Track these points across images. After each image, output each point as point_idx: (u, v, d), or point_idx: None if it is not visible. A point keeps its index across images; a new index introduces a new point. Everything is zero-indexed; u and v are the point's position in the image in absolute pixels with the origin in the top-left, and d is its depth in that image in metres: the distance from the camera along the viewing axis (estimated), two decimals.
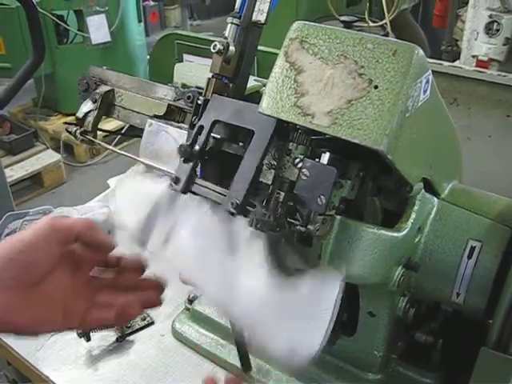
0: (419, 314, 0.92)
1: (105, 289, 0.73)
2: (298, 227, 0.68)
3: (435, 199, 0.85)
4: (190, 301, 1.09)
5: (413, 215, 0.81)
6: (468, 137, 1.33)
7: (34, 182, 3.45)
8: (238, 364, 1.00)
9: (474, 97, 1.34)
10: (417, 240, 0.84)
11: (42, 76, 3.48)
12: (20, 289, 0.65)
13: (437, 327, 0.92)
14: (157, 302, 0.75)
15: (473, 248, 0.83)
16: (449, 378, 0.93)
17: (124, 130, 3.37)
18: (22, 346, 1.10)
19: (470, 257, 0.82)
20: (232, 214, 0.67)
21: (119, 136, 3.57)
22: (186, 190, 0.71)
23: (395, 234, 0.77)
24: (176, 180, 0.71)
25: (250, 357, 0.96)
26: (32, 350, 1.09)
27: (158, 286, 0.75)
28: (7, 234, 1.27)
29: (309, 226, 0.67)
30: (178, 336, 1.08)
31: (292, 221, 0.68)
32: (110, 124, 3.69)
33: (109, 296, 0.73)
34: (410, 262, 0.82)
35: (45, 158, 3.50)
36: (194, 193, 0.72)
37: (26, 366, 1.09)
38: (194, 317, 1.08)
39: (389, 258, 0.77)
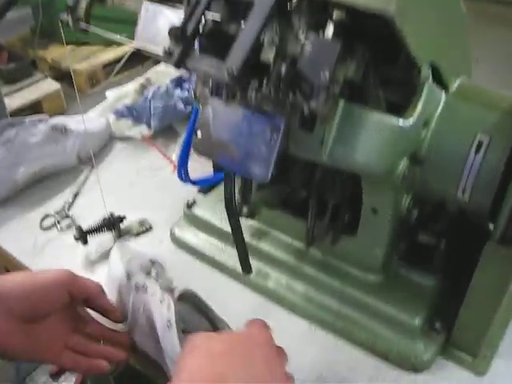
0: (423, 215, 0.89)
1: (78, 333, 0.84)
2: (300, 104, 0.64)
3: (443, 93, 0.82)
4: (189, 206, 1.07)
5: (419, 105, 0.77)
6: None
7: (34, 111, 3.39)
8: (238, 268, 0.98)
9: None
10: (423, 135, 0.80)
11: (39, 3, 3.39)
12: (24, 321, 0.74)
13: (440, 228, 0.90)
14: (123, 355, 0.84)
15: (480, 143, 0.79)
16: (451, 280, 0.91)
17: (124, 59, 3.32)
18: (18, 251, 1.09)
19: (477, 152, 0.80)
20: (227, 85, 0.63)
21: (119, 64, 3.54)
22: (180, 63, 0.67)
23: (401, 122, 0.73)
24: (169, 53, 0.66)
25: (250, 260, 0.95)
26: (29, 255, 1.08)
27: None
28: (3, 143, 1.24)
29: (312, 102, 0.64)
30: (177, 241, 1.07)
31: (294, 98, 0.65)
32: (109, 54, 3.66)
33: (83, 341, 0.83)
34: (416, 155, 0.79)
35: (44, 87, 3.45)
36: (188, 68, 0.68)
37: (23, 269, 1.08)
38: (193, 222, 1.06)
39: (394, 147, 0.74)
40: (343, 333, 0.91)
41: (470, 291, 0.82)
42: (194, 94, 0.80)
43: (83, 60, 3.65)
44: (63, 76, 3.59)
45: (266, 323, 0.73)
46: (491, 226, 0.76)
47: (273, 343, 0.70)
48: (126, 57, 3.46)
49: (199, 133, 0.78)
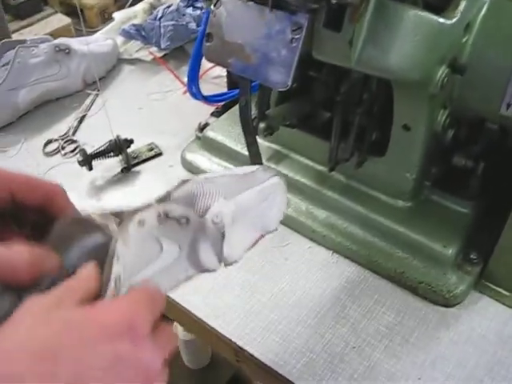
0: (459, 135, 0.81)
1: None
2: None
3: None
4: (201, 129, 0.99)
5: (463, 4, 0.67)
6: None
7: None
8: None
9: None
10: (464, 40, 0.71)
11: None
12: None
13: (478, 150, 0.81)
14: None
15: None
16: (488, 207, 0.83)
17: None
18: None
19: None
20: None
21: None
22: None
23: (441, 20, 0.64)
24: None
25: None
26: None
27: None
28: (3, 65, 1.16)
29: None
30: (188, 165, 0.99)
31: None
32: None
33: None
34: (456, 62, 0.70)
35: (54, 22, 3.35)
36: None
37: None
38: (205, 145, 0.98)
39: (432, 50, 0.65)
40: (368, 263, 0.83)
41: (510, 220, 0.74)
42: None
43: None
44: (74, 11, 3.48)
45: (156, 297, 0.47)
46: None
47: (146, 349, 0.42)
48: None
49: (210, 37, 0.69)
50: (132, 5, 3.20)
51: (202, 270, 0.54)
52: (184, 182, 0.53)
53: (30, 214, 0.51)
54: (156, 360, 0.42)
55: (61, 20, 3.36)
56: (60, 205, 0.52)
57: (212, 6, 0.69)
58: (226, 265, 0.55)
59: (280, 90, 0.65)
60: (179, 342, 1.64)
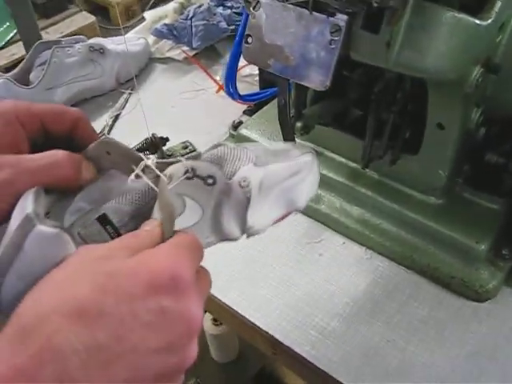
0: (491, 133, 0.82)
1: None
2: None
3: None
4: (235, 127, 1.01)
5: (498, 5, 0.69)
6: None
7: None
8: None
9: None
10: (498, 40, 0.72)
11: None
12: None
13: (510, 148, 0.82)
14: None
15: None
16: None
17: None
18: None
19: None
20: None
21: None
22: None
23: (478, 22, 0.65)
24: None
25: None
26: None
27: None
28: (40, 65, 1.19)
29: None
30: None
31: None
32: None
33: None
34: (490, 62, 0.71)
35: (79, 21, 3.38)
36: None
37: None
38: (239, 142, 0.99)
39: (468, 51, 0.66)
40: (401, 258, 0.85)
41: None
42: None
43: None
44: (98, 9, 3.52)
45: (196, 243, 0.48)
46: None
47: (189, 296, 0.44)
48: None
49: (250, 39, 0.71)
50: (155, 3, 3.24)
51: (223, 237, 0.53)
52: (216, 145, 0.54)
53: (59, 145, 0.52)
54: (198, 311, 0.44)
55: (86, 18, 3.39)
56: (85, 131, 0.55)
57: (251, 9, 0.71)
58: (249, 235, 0.54)
59: (319, 90, 0.67)
60: (207, 336, 1.66)
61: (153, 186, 0.49)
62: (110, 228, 0.48)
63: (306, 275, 0.85)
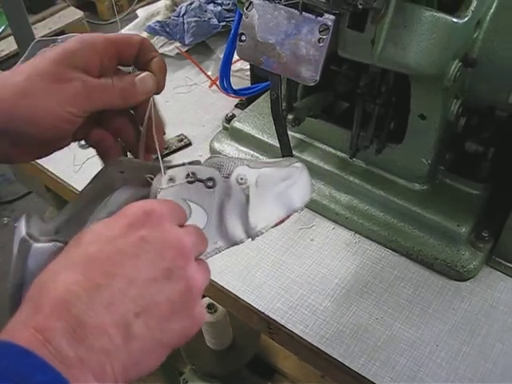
0: (470, 123, 0.87)
1: None
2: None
3: None
4: (228, 120, 1.05)
5: (474, 3, 0.73)
6: None
7: None
8: None
9: None
10: (475, 35, 0.77)
11: None
12: (55, 78, 0.57)
13: (488, 136, 0.88)
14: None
15: None
16: (498, 189, 0.90)
17: None
18: (60, 169, 1.09)
19: None
20: None
21: None
22: None
23: (455, 20, 0.70)
24: None
25: None
26: (70, 172, 1.08)
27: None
28: None
29: None
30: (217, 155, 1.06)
31: None
32: None
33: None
34: (468, 57, 0.77)
35: (67, 16, 3.41)
36: None
37: (64, 188, 1.08)
38: (232, 135, 1.05)
39: (446, 47, 0.71)
40: (388, 242, 0.90)
41: None
42: None
43: None
44: (86, 4, 3.54)
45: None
46: None
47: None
48: None
49: (243, 37, 0.75)
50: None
51: (230, 241, 0.57)
52: (212, 156, 0.59)
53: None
54: (180, 233, 0.49)
55: (74, 13, 3.42)
56: (149, 48, 0.63)
57: (244, 9, 0.75)
58: (252, 236, 0.58)
59: (309, 84, 0.72)
60: (203, 324, 1.70)
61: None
62: None
63: (298, 259, 0.90)
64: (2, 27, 3.20)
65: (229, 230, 0.57)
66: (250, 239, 0.58)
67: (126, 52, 0.61)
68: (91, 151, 1.09)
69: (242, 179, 0.56)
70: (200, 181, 0.54)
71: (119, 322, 0.43)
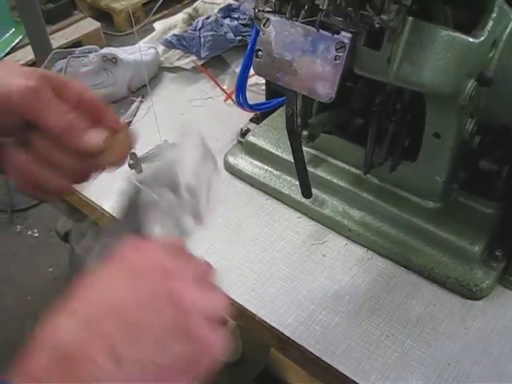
0: (485, 141, 0.87)
1: None
2: (370, 17, 0.62)
3: None
4: (243, 134, 1.06)
5: (490, 23, 0.74)
6: None
7: None
8: (293, 194, 0.98)
9: None
10: (491, 55, 0.78)
11: None
12: None
13: (503, 155, 0.88)
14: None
15: None
16: (511, 208, 0.90)
17: None
18: None
19: None
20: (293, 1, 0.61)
21: (159, 2, 3.49)
22: None
23: (471, 39, 0.71)
24: None
25: None
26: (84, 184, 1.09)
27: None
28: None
29: (382, 16, 0.62)
30: (231, 169, 1.06)
31: (364, 12, 0.63)
32: None
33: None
34: (483, 76, 0.77)
35: (84, 27, 3.43)
36: None
37: (80, 199, 1.09)
38: (247, 149, 1.05)
39: (462, 66, 0.72)
40: (401, 259, 0.90)
41: None
42: (254, 14, 0.78)
43: None
44: (102, 15, 3.57)
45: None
46: None
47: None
48: None
49: (260, 53, 0.76)
50: (159, 10, 3.28)
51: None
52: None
53: None
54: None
55: (90, 24, 3.44)
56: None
57: (261, 25, 0.76)
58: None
59: (324, 101, 0.72)
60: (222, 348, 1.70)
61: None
62: None
63: (310, 274, 0.90)
64: (20, 37, 3.23)
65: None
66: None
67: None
68: None
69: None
70: None
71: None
